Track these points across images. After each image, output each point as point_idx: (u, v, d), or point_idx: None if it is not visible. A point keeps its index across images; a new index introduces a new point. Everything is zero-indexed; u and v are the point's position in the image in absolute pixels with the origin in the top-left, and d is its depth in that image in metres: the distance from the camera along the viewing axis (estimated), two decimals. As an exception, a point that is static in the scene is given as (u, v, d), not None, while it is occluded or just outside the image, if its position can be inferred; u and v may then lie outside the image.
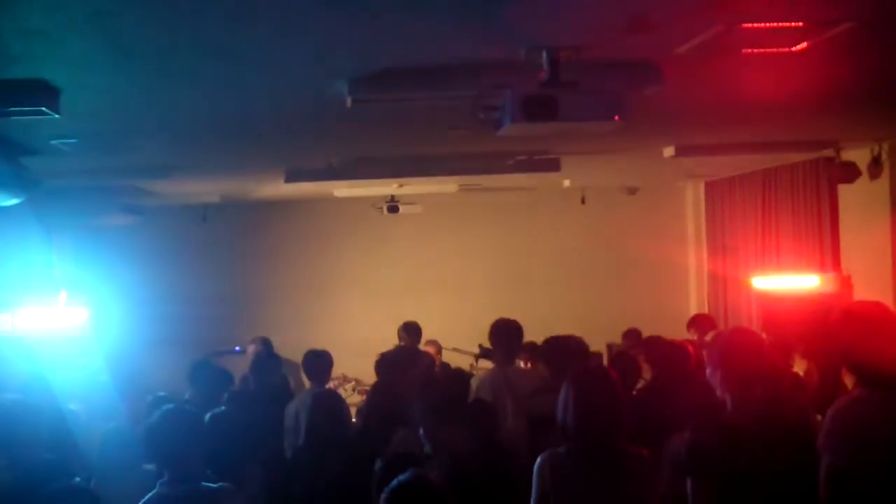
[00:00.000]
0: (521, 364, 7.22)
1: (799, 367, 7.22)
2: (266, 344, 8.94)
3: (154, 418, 4.35)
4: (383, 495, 3.51)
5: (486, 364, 10.33)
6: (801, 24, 3.90)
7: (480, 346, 8.29)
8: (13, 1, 3.20)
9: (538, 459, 4.14)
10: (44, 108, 4.59)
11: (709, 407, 4.32)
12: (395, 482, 3.58)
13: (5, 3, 3.20)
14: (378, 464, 4.73)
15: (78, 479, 4.71)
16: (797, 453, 3.79)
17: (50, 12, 3.35)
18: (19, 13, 3.33)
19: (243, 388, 7.60)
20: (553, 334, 6.82)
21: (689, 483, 4.02)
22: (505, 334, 6.57)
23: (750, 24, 3.85)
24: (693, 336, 8.47)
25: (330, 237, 12.77)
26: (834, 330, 3.88)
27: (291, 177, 8.70)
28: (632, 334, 9.24)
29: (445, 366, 9.27)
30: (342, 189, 10.46)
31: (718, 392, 4.16)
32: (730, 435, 3.94)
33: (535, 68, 4.12)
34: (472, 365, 10.41)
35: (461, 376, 6.01)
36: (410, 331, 9.06)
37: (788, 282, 8.99)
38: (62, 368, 8.13)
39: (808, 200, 9.57)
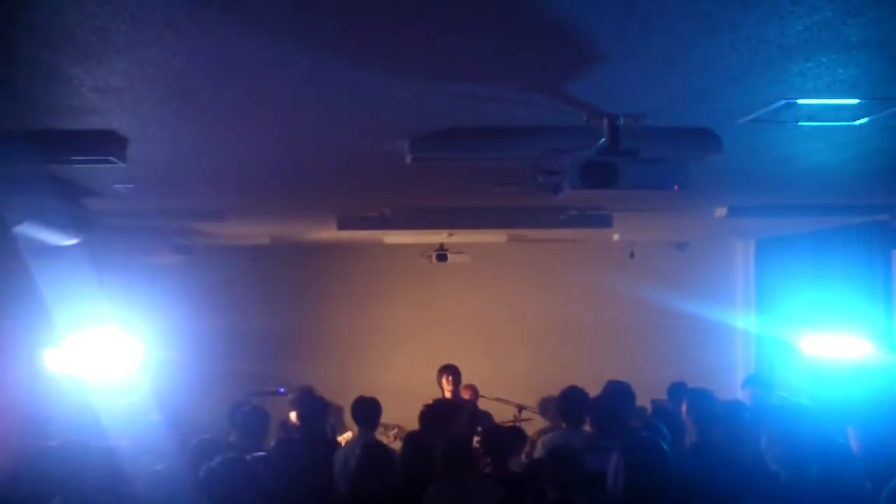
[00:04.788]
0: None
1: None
2: (310, 393, 8.99)
3: (213, 465, 4.41)
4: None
5: (529, 415, 10.39)
6: (861, 100, 3.91)
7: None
8: (95, 63, 3.32)
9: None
10: (111, 158, 4.73)
11: (762, 477, 4.30)
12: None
13: (88, 64, 3.31)
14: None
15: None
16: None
17: (127, 73, 3.46)
18: (100, 73, 3.44)
19: (288, 434, 7.62)
20: (598, 390, 6.90)
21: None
22: (570, 401, 6.73)
23: (811, 100, 3.87)
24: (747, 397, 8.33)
25: (378, 282, 12.83)
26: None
27: (344, 224, 8.79)
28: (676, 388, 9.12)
29: (487, 416, 9.26)
30: (392, 236, 10.54)
31: (772, 465, 4.13)
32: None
33: (595, 135, 4.16)
34: (514, 416, 10.42)
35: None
36: (452, 373, 9.04)
37: (839, 346, 8.88)
38: (111, 405, 8.24)
39: (860, 263, 9.46)
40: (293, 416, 8.87)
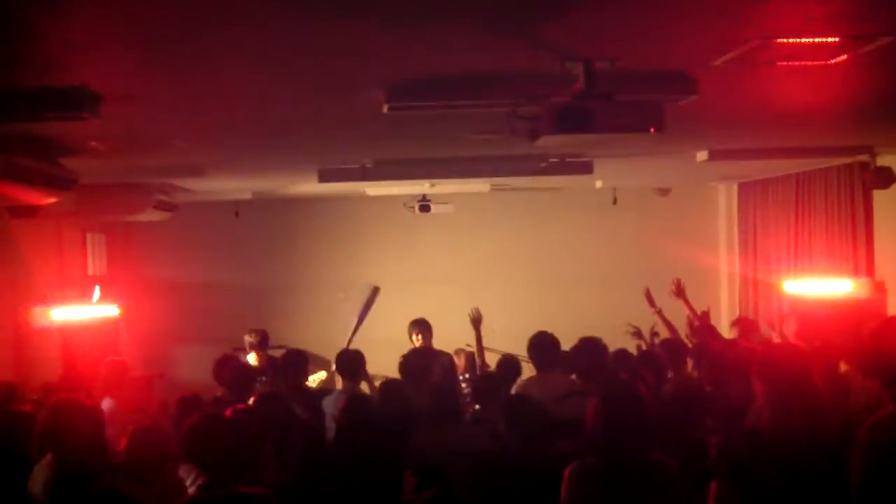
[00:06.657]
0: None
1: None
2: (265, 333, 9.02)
3: (196, 421, 4.40)
4: None
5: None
6: (837, 39, 3.89)
7: None
8: (61, 16, 3.27)
9: (567, 469, 4.16)
10: (85, 114, 4.67)
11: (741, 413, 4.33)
12: None
13: (54, 18, 3.27)
14: None
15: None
16: (831, 473, 3.75)
17: (94, 26, 3.41)
18: (66, 27, 3.39)
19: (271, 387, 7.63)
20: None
21: (714, 486, 4.02)
22: (540, 347, 6.74)
23: (786, 40, 3.85)
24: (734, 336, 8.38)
25: (361, 234, 12.82)
26: (872, 342, 3.79)
27: (325, 177, 8.74)
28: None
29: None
30: (374, 188, 10.51)
31: (758, 402, 4.15)
32: (763, 446, 3.94)
33: (570, 79, 4.14)
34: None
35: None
36: (422, 327, 9.05)
37: (821, 287, 8.94)
38: (95, 362, 8.25)
39: (842, 205, 9.50)
40: (251, 358, 8.91)
